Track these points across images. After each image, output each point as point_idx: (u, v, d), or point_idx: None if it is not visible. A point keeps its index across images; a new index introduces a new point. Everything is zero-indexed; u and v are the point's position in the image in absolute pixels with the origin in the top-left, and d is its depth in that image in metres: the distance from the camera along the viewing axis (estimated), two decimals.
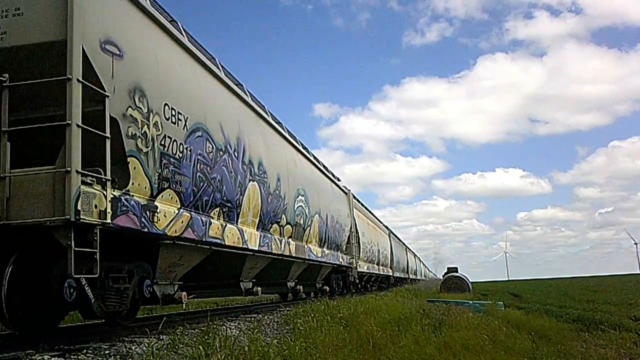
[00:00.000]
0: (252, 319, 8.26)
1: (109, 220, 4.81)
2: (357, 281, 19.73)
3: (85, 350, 4.54)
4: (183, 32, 7.11)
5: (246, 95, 9.33)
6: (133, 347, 4.81)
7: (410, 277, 47.47)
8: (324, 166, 15.92)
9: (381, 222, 31.81)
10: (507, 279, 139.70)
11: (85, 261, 4.60)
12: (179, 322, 6.66)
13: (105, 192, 4.80)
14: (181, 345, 5.00)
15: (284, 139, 11.45)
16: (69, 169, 4.43)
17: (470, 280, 30.87)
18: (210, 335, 5.23)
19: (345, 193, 18.72)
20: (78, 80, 4.59)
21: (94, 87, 4.79)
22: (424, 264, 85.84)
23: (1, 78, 4.51)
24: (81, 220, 4.46)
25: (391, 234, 34.27)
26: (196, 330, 5.98)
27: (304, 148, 13.55)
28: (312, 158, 14.18)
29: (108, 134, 4.86)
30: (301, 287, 12.95)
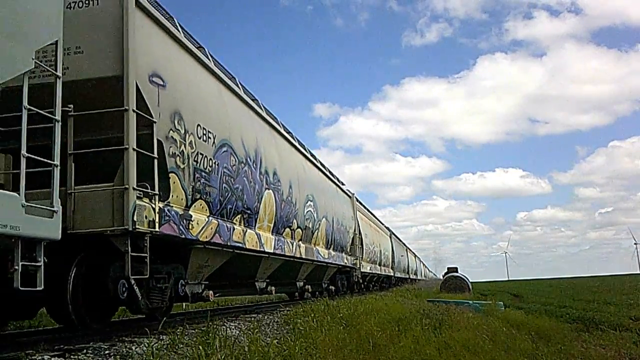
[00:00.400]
0: (252, 319, 8.26)
1: (157, 229, 5.67)
2: (361, 281, 20.63)
3: (85, 350, 4.54)
4: (210, 57, 7.99)
5: (261, 109, 10.27)
6: (133, 347, 4.81)
7: (411, 277, 48.36)
8: (330, 171, 16.76)
9: (382, 224, 32.44)
10: (507, 279, 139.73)
11: (136, 264, 5.41)
12: (179, 322, 6.66)
13: (153, 205, 5.67)
14: (181, 345, 5.00)
15: (295, 148, 12.35)
16: (127, 186, 5.29)
17: (470, 280, 30.87)
18: (210, 335, 5.23)
19: (349, 197, 19.57)
20: (133, 111, 5.46)
21: (144, 115, 5.65)
22: (424, 264, 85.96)
23: (66, 108, 5.05)
24: (136, 230, 5.31)
25: (392, 235, 35.01)
26: (196, 330, 5.98)
27: (312, 155, 14.40)
28: (319, 164, 15.02)
29: (155, 155, 5.72)
30: (309, 286, 13.64)
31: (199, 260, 7.37)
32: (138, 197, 5.40)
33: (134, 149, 5.41)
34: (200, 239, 6.83)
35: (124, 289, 5.76)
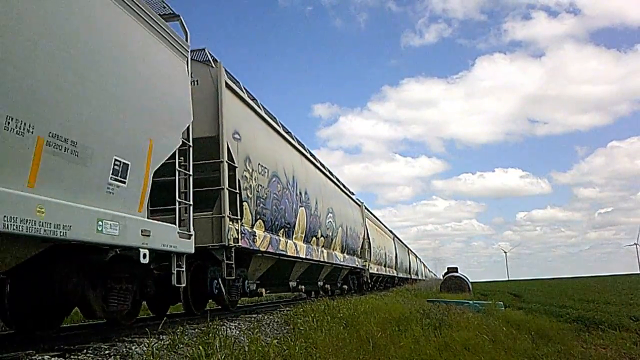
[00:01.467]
0: (252, 319, 8.26)
1: (239, 244, 8.08)
2: (369, 281, 23.05)
3: (85, 350, 4.54)
4: (261, 106, 10.29)
5: (294, 140, 12.48)
6: (133, 347, 4.81)
7: (412, 277, 50.19)
8: (343, 184, 19.14)
9: (387, 228, 34.54)
10: (507, 279, 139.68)
11: (227, 269, 7.86)
12: (179, 322, 6.66)
13: (236, 226, 8.10)
14: (181, 345, 5.00)
15: (317, 169, 14.78)
16: (223, 215, 7.77)
17: (470, 280, 30.86)
18: (210, 335, 5.23)
19: (359, 205, 22.10)
20: (225, 162, 7.93)
21: (231, 163, 8.14)
22: (424, 264, 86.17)
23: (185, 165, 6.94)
24: (229, 245, 7.74)
25: (395, 238, 37.18)
26: (196, 330, 5.98)
27: (330, 172, 16.74)
28: (335, 180, 17.44)
29: (237, 191, 8.17)
30: (328, 285, 16.25)
31: (256, 264, 9.70)
32: (230, 221, 7.86)
33: (227, 188, 7.86)
34: (261, 249, 9.24)
35: (216, 286, 8.14)
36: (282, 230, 10.62)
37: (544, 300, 21.43)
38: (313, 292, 15.90)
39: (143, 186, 5.75)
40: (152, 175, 5.83)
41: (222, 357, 4.45)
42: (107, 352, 4.53)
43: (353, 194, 21.41)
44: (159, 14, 6.40)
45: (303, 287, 13.04)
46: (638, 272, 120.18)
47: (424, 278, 72.46)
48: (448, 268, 41.69)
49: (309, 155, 13.81)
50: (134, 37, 5.77)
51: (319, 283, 15.22)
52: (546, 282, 67.74)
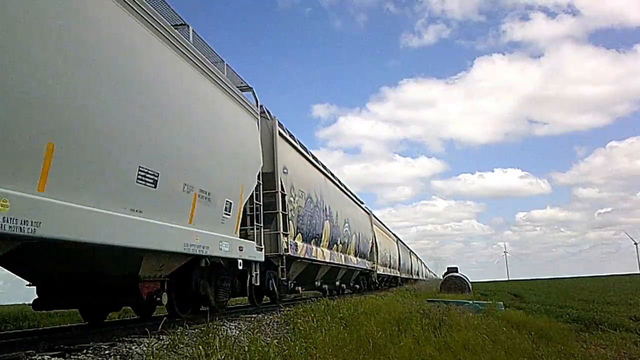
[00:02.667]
0: (252, 319, 8.25)
1: (288, 252, 10.87)
2: (377, 281, 26.22)
3: (85, 350, 4.53)
4: (297, 141, 13.03)
5: (319, 164, 15.46)
6: (133, 347, 4.80)
7: (413, 277, 53.27)
8: (355, 196, 22.25)
9: (391, 232, 37.73)
10: (507, 279, 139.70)
11: (280, 272, 10.76)
12: (179, 322, 6.66)
13: (286, 240, 10.82)
14: (181, 345, 5.00)
15: (336, 185, 17.70)
16: (279, 231, 10.56)
17: (470, 280, 30.84)
18: (210, 335, 5.23)
19: (368, 213, 25.10)
20: (279, 192, 10.67)
21: (282, 192, 10.85)
22: (424, 264, 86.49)
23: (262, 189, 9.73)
24: (283, 254, 10.55)
25: (398, 241, 40.52)
26: (196, 330, 5.98)
27: (345, 187, 19.62)
28: (349, 192, 20.39)
29: (286, 212, 10.96)
30: (344, 285, 19.71)
31: (295, 268, 12.37)
32: (282, 237, 10.66)
33: (281, 212, 10.75)
34: (300, 256, 12.07)
35: (271, 285, 10.83)
36: (313, 240, 13.61)
37: (544, 300, 21.44)
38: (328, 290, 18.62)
39: (238, 216, 8.35)
40: (242, 208, 8.54)
41: (222, 357, 4.45)
42: (107, 352, 4.53)
43: (362, 202, 24.38)
44: (238, 87, 8.92)
45: (326, 286, 16.43)
46: (638, 272, 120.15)
47: (424, 278, 72.81)
48: (448, 268, 41.71)
49: (330, 175, 16.83)
50: (227, 109, 8.10)
51: (336, 283, 18.20)
52: (546, 282, 67.73)
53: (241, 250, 8.32)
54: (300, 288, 13.13)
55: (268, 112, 11.03)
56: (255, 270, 9.22)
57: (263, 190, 9.66)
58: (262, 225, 9.42)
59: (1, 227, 3.78)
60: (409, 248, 53.16)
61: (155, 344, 4.82)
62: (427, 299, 17.90)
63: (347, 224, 18.13)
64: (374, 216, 27.19)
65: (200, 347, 4.64)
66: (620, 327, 10.31)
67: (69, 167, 4.61)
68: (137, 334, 5.67)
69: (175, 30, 6.50)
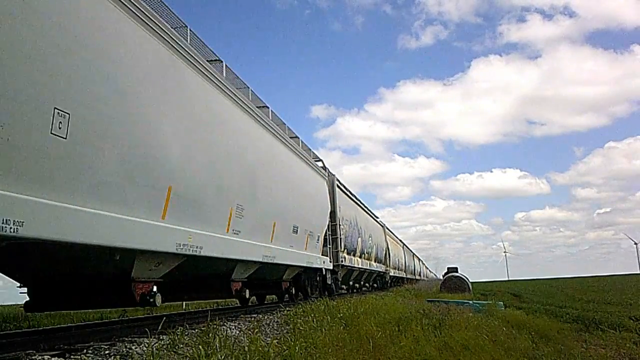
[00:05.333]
0: (252, 319, 8.25)
1: (344, 263, 17.00)
2: (389, 281, 32.35)
3: (85, 350, 4.53)
4: (344, 186, 18.72)
5: (354, 197, 21.48)
6: (133, 347, 4.80)
7: (416, 277, 58.78)
8: (373, 212, 28.25)
9: (398, 239, 43.27)
10: (507, 279, 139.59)
11: (339, 276, 17.34)
12: (179, 322, 6.66)
13: (341, 254, 16.53)
14: (181, 345, 4.99)
15: (363, 209, 23.93)
16: (338, 250, 16.32)
17: (470, 280, 30.83)
18: (210, 335, 5.23)
19: (382, 226, 30.50)
20: (338, 224, 16.34)
21: (339, 224, 16.48)
22: (425, 265, 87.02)
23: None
24: (340, 264, 16.37)
25: (404, 247, 47.40)
26: (196, 330, 5.98)
27: (367, 207, 25.55)
28: (370, 212, 26.51)
29: (340, 236, 16.50)
30: (367, 284, 26.30)
31: (341, 272, 17.35)
32: (340, 253, 16.24)
33: (340, 237, 16.42)
34: (346, 265, 17.62)
35: (333, 284, 15.93)
36: (352, 252, 19.01)
37: (544, 300, 21.44)
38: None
39: (321, 242, 13.76)
40: (323, 237, 13.98)
41: (222, 357, 4.45)
42: (107, 352, 4.53)
43: (377, 217, 30.38)
44: (314, 159, 14.04)
45: (356, 284, 23.00)
46: (638, 272, 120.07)
47: (424, 278, 73.33)
48: (448, 268, 41.67)
49: (359, 202, 22.83)
50: (311, 176, 13.24)
51: (361, 282, 24.33)
52: (546, 282, 67.70)
53: (323, 263, 14.03)
54: (344, 287, 20.04)
55: (330, 171, 16.28)
56: (327, 275, 15.12)
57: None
58: (330, 246, 15.30)
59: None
60: (411, 251, 59.02)
61: (155, 344, 4.82)
62: (427, 299, 17.92)
63: (370, 238, 23.89)
64: (387, 228, 33.66)
65: (200, 347, 4.64)
66: (620, 327, 10.31)
67: (250, 219, 8.55)
68: (137, 334, 5.67)
69: (285, 128, 11.30)
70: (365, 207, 24.72)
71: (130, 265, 5.83)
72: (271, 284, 11.68)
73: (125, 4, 5.22)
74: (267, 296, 14.38)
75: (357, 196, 22.70)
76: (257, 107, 8.95)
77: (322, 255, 13.87)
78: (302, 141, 12.37)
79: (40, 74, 4.14)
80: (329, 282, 15.28)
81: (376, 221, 28.50)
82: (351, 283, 21.47)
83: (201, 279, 8.39)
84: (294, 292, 12.77)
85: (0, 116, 3.83)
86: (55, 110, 4.28)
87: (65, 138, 4.37)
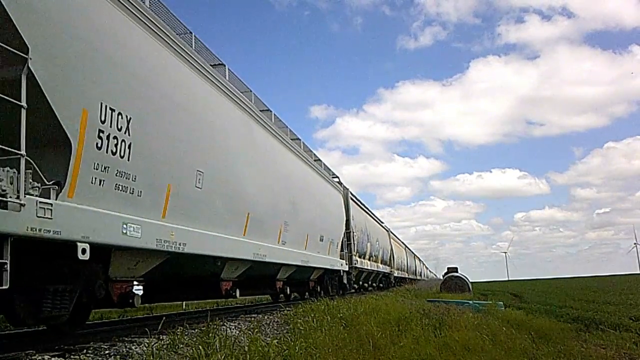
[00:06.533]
0: (252, 319, 8.26)
1: (357, 265, 20.26)
2: (393, 281, 35.00)
3: (85, 350, 4.54)
4: (356, 197, 22.18)
5: (364, 207, 24.58)
6: (133, 347, 4.80)
7: (417, 277, 62.18)
8: (379, 218, 31.79)
9: (401, 241, 46.31)
10: (507, 279, 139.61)
11: (354, 276, 20.43)
12: (179, 322, 6.66)
13: (354, 257, 19.36)
14: (181, 345, 4.99)
15: (372, 217, 27.12)
16: (352, 254, 19.14)
17: (470, 280, 30.83)
18: (210, 335, 5.23)
19: (387, 230, 33.78)
20: (352, 232, 19.43)
21: (353, 231, 19.54)
22: (425, 265, 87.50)
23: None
24: (354, 266, 19.31)
25: (406, 248, 50.68)
26: (196, 330, 5.98)
27: (374, 215, 29.20)
28: (376, 218, 30.00)
29: (354, 242, 19.57)
30: (374, 284, 28.63)
31: (353, 273, 19.52)
32: (354, 256, 19.21)
33: (353, 243, 19.37)
34: (358, 267, 20.43)
35: (347, 284, 18.50)
36: (362, 255, 21.75)
37: (543, 300, 21.43)
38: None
39: (339, 248, 16.82)
40: (340, 242, 16.72)
41: (222, 357, 4.45)
42: (107, 352, 4.53)
43: (382, 222, 33.53)
44: (332, 176, 17.15)
45: (366, 284, 25.53)
46: (637, 272, 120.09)
47: (425, 278, 73.76)
48: (448, 268, 41.60)
49: (368, 211, 26.39)
50: (331, 192, 16.34)
51: (369, 282, 26.78)
52: (546, 282, 67.70)
53: (341, 265, 16.89)
54: (355, 285, 22.03)
55: (344, 185, 19.39)
56: (344, 275, 17.62)
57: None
58: (346, 251, 18.15)
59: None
60: (413, 252, 62.72)
61: (155, 344, 4.82)
62: (427, 299, 17.91)
63: (377, 242, 26.73)
64: (391, 232, 36.89)
65: (200, 347, 4.64)
66: (620, 327, 10.29)
67: (292, 232, 11.26)
68: (137, 334, 5.67)
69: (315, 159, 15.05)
70: (373, 214, 28.37)
71: (221, 269, 8.16)
72: (302, 283, 14.31)
73: (227, 93, 8.04)
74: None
75: (366, 204, 25.77)
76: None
77: (340, 258, 16.85)
78: (324, 164, 16.18)
79: (193, 148, 6.72)
80: (345, 282, 17.95)
81: (381, 226, 31.50)
82: (361, 283, 23.58)
83: (257, 279, 10.71)
84: (319, 289, 15.56)
85: (172, 177, 6.20)
86: (197, 171, 6.77)
87: (201, 188, 6.85)
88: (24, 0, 4.12)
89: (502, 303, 15.62)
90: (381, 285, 30.83)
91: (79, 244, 4.49)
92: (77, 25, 4.69)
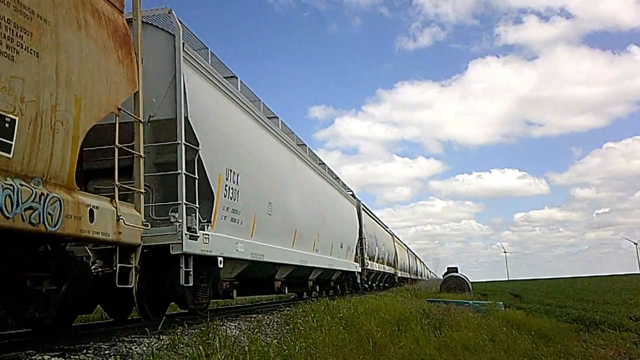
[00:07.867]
0: (252, 319, 8.25)
1: (368, 267, 23.99)
2: (397, 281, 38.18)
3: (85, 350, 4.53)
4: (367, 207, 26.21)
5: (374, 215, 29.39)
6: (133, 347, 4.80)
7: (418, 277, 65.08)
8: (384, 224, 35.10)
9: (404, 243, 49.45)
10: (507, 279, 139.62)
11: (365, 277, 24.24)
12: (178, 322, 6.66)
13: (367, 260, 23.50)
14: (181, 345, 4.99)
15: (379, 224, 30.86)
16: (364, 257, 23.19)
17: (470, 280, 30.81)
18: (210, 335, 5.23)
19: (391, 235, 36.79)
20: (364, 238, 23.25)
21: (365, 237, 23.35)
22: (425, 265, 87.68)
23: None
24: (365, 268, 23.16)
25: (409, 250, 54.17)
26: (196, 330, 5.98)
27: (380, 220, 32.69)
28: (383, 224, 33.07)
29: (366, 247, 23.50)
30: (381, 284, 31.64)
31: (365, 274, 23.36)
32: (365, 259, 23.00)
33: (365, 247, 23.05)
34: (369, 269, 24.08)
35: (360, 284, 22.60)
36: (372, 258, 24.35)
37: (543, 300, 21.42)
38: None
39: (355, 252, 20.34)
40: (355, 248, 20.35)
41: (222, 357, 4.45)
42: (107, 352, 4.53)
43: (387, 227, 36.49)
44: (347, 190, 20.82)
45: (374, 284, 28.23)
46: (637, 272, 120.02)
47: (425, 278, 73.95)
48: (448, 268, 41.62)
49: (375, 218, 29.46)
50: (346, 205, 19.63)
51: (377, 282, 29.82)
52: (546, 282, 67.68)
53: (356, 267, 19.69)
54: (367, 285, 24.82)
55: (357, 197, 22.52)
56: (357, 276, 20.78)
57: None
58: (360, 254, 21.14)
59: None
60: (414, 253, 66.31)
61: (155, 344, 4.82)
62: (427, 299, 17.90)
63: (384, 245, 30.11)
64: (395, 235, 39.83)
65: (200, 347, 4.64)
66: (620, 327, 10.29)
67: (322, 241, 14.46)
68: (137, 334, 5.67)
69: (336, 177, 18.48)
70: (379, 220, 32.41)
71: (276, 271, 11.05)
72: (326, 282, 17.65)
73: (281, 138, 11.46)
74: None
75: (373, 212, 30.00)
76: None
77: (354, 262, 20.04)
78: (343, 182, 19.50)
79: (266, 186, 9.90)
80: (358, 282, 21.49)
81: (386, 231, 35.13)
82: (370, 283, 26.70)
83: (296, 279, 13.41)
84: (338, 288, 19.25)
85: (256, 209, 9.31)
86: (268, 202, 9.85)
87: (270, 215, 9.95)
88: (198, 117, 7.12)
89: (502, 303, 15.61)
90: (387, 284, 33.90)
91: (219, 257, 7.55)
92: (220, 124, 8.00)
